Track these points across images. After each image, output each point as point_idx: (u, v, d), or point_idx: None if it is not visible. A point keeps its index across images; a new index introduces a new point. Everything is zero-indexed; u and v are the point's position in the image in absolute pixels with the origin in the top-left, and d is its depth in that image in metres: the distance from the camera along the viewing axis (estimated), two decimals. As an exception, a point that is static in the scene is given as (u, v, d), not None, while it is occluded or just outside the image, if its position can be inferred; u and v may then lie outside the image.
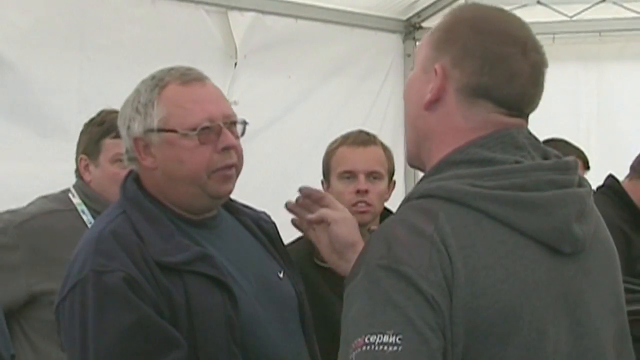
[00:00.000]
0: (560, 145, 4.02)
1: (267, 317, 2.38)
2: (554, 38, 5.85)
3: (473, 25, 1.85)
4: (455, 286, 1.66)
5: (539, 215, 1.73)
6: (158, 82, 2.34)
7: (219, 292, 2.27)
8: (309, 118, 5.42)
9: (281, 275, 2.51)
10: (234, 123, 2.38)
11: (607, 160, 5.25)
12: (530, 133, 1.86)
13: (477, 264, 1.68)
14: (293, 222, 2.50)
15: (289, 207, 2.44)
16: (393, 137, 5.00)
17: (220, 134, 2.32)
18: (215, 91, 2.40)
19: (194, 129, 2.29)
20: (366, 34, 5.68)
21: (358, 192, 3.12)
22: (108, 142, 3.35)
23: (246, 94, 4.89)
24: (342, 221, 2.39)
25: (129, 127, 2.36)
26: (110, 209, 2.42)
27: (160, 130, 2.31)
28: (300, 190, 2.44)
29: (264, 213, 2.69)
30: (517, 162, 1.78)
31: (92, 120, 3.41)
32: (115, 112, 3.29)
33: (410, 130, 1.93)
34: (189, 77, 2.35)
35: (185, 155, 2.30)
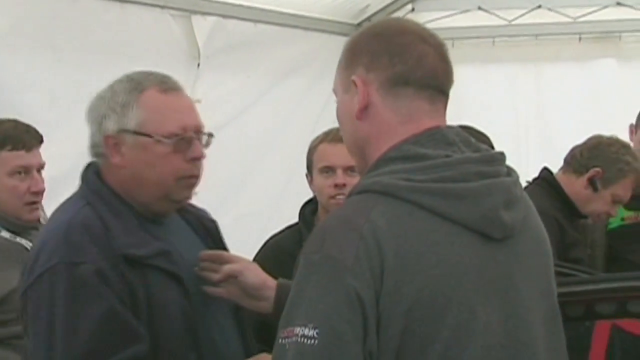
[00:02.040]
0: (471, 132, 4.04)
1: (215, 312, 2.39)
2: (494, 41, 5.90)
3: (372, 33, 1.92)
4: (385, 274, 1.68)
5: (468, 204, 1.75)
6: (137, 86, 2.30)
7: (175, 287, 2.26)
8: (266, 115, 5.44)
9: None
10: (203, 134, 2.36)
11: (543, 154, 5.30)
12: (462, 130, 1.89)
13: (409, 252, 1.70)
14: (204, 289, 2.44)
15: (197, 274, 2.39)
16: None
17: (191, 144, 2.30)
18: (189, 102, 2.38)
19: (169, 137, 2.26)
20: (320, 36, 5.69)
21: (336, 185, 3.15)
22: (4, 155, 3.18)
23: (209, 93, 4.87)
24: (246, 269, 2.39)
25: (100, 124, 2.30)
26: (71, 199, 2.35)
27: (136, 132, 2.27)
28: (200, 257, 2.41)
29: (205, 211, 2.66)
30: (447, 156, 1.80)
31: None
32: (10, 121, 3.24)
33: (353, 147, 1.94)
34: (167, 86, 2.32)
35: (156, 161, 2.27)
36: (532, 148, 5.81)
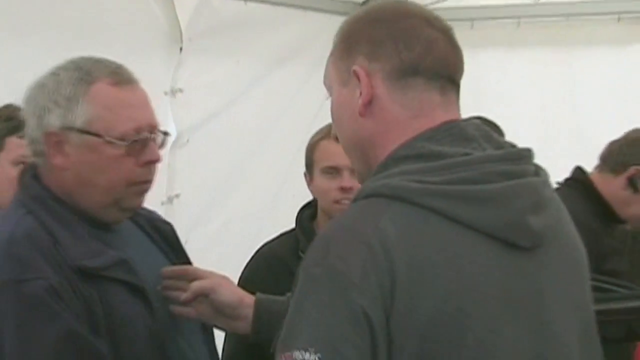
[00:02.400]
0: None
1: (182, 327, 2.39)
2: (519, 22, 5.86)
3: (369, 19, 1.92)
4: (397, 290, 1.67)
5: (490, 209, 1.74)
6: (85, 76, 2.26)
7: (137, 300, 2.24)
8: (258, 107, 5.42)
9: None
10: (159, 133, 2.34)
11: (575, 151, 5.28)
12: (481, 124, 1.88)
13: (423, 264, 1.69)
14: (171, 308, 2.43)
15: (161, 294, 2.38)
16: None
17: (146, 146, 2.28)
18: (144, 97, 2.35)
19: (122, 139, 2.24)
20: (320, 17, 5.67)
21: (342, 188, 3.15)
22: (14, 140, 3.25)
23: (191, 81, 4.86)
24: (218, 286, 2.39)
25: (40, 117, 2.26)
26: (10, 209, 2.31)
27: (82, 131, 2.23)
28: (162, 274, 2.40)
29: (157, 213, 2.65)
30: (466, 154, 1.79)
31: None
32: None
33: (353, 149, 1.94)
34: (120, 78, 2.29)
35: (106, 164, 2.24)
36: (562, 145, 5.77)
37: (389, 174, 1.79)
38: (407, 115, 1.85)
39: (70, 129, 2.23)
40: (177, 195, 4.53)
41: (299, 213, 3.35)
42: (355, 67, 1.86)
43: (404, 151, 1.82)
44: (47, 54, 4.16)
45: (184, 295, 2.36)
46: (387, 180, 1.77)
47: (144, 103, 2.33)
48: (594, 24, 5.91)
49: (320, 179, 3.22)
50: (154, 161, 2.30)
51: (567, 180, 3.91)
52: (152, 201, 2.53)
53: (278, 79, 5.52)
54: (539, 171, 1.87)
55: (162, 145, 2.36)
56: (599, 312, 1.99)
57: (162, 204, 4.46)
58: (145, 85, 2.39)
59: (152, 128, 2.31)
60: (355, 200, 1.83)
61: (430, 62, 1.85)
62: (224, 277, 2.45)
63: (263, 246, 3.37)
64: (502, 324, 1.74)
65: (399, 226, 1.71)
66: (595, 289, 2.01)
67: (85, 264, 2.17)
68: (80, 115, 2.23)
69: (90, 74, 2.26)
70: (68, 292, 2.12)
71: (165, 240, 2.53)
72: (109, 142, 2.23)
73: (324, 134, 3.24)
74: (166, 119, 4.41)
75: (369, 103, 1.86)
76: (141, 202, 2.37)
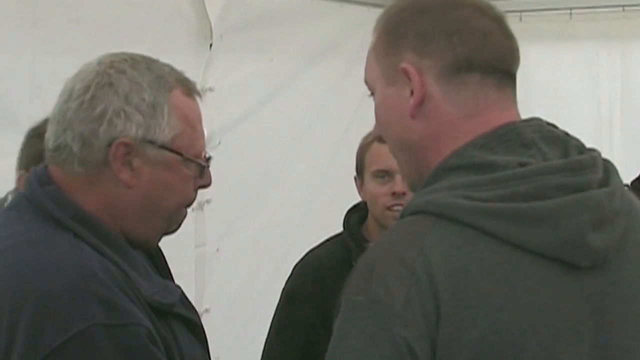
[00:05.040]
0: None
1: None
2: (571, 14, 5.84)
3: (416, 9, 1.86)
4: (442, 320, 1.63)
5: (545, 228, 1.68)
6: (162, 81, 2.08)
7: (195, 339, 2.17)
8: (293, 107, 5.42)
9: None
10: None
11: (631, 152, 5.34)
12: (542, 124, 1.82)
13: (469, 291, 1.65)
14: None
15: None
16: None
17: (205, 168, 2.16)
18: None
19: (197, 157, 2.12)
20: (358, 9, 5.66)
21: (394, 194, 3.15)
22: None
23: (222, 80, 4.85)
24: None
25: (110, 122, 2.03)
26: (37, 227, 2.01)
27: (164, 147, 2.06)
28: None
29: None
30: (522, 164, 1.73)
31: (35, 130, 3.11)
32: None
33: (402, 154, 1.90)
34: (190, 87, 2.15)
35: (177, 185, 2.09)
36: (618, 145, 5.78)
37: (436, 188, 1.74)
38: (461, 116, 1.80)
39: (150, 142, 2.05)
40: (208, 201, 4.53)
41: (346, 217, 3.34)
42: (404, 65, 1.81)
43: (455, 160, 1.76)
44: (72, 51, 4.20)
45: None
46: (432, 196, 1.73)
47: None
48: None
49: (371, 184, 3.22)
50: (207, 186, 2.21)
51: (634, 182, 3.87)
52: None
53: (313, 77, 5.52)
54: (608, 179, 1.79)
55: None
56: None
57: (193, 209, 4.34)
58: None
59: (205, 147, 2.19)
60: (402, 216, 1.79)
61: (487, 56, 1.80)
62: None
63: (307, 255, 3.36)
64: (559, 353, 1.69)
65: (444, 248, 1.67)
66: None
67: (159, 300, 2.03)
68: (166, 129, 2.06)
69: (165, 78, 2.10)
70: (156, 335, 1.96)
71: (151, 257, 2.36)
72: (187, 160, 2.10)
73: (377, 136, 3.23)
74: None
75: (421, 103, 1.81)
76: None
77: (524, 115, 1.86)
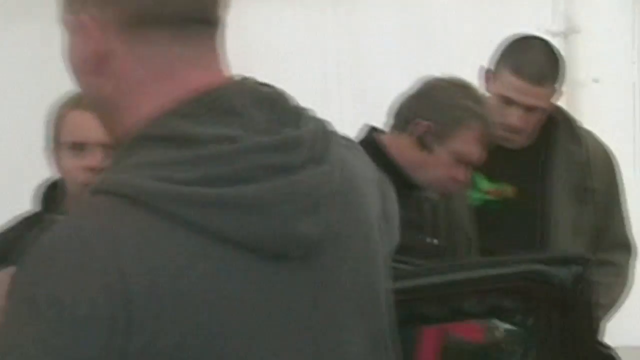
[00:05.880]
0: None
1: None
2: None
3: None
4: (135, 325, 1.48)
5: (254, 216, 1.56)
6: None
7: None
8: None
9: None
10: None
11: (362, 108, 5.39)
12: (256, 87, 1.68)
13: (166, 291, 1.51)
14: None
15: None
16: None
17: None
18: None
19: None
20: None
21: (93, 169, 3.01)
22: None
23: None
24: None
25: None
26: None
27: None
28: None
29: None
30: (230, 138, 1.57)
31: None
32: None
33: (96, 108, 1.76)
34: None
35: None
36: (347, 101, 5.93)
37: (135, 164, 1.58)
38: (152, 77, 1.65)
39: None
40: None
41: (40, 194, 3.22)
42: (83, 16, 1.65)
43: (153, 130, 1.61)
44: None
45: None
46: (126, 174, 1.57)
47: None
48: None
49: (66, 157, 3.10)
50: None
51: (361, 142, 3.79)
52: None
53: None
54: (326, 156, 1.69)
55: None
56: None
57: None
58: None
59: None
60: (92, 193, 1.61)
61: (178, 4, 1.65)
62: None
63: None
64: (269, 352, 1.62)
65: (138, 242, 1.53)
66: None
67: None
68: None
69: None
70: None
71: None
72: None
73: (73, 103, 3.09)
74: None
75: (105, 61, 1.65)
76: None
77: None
